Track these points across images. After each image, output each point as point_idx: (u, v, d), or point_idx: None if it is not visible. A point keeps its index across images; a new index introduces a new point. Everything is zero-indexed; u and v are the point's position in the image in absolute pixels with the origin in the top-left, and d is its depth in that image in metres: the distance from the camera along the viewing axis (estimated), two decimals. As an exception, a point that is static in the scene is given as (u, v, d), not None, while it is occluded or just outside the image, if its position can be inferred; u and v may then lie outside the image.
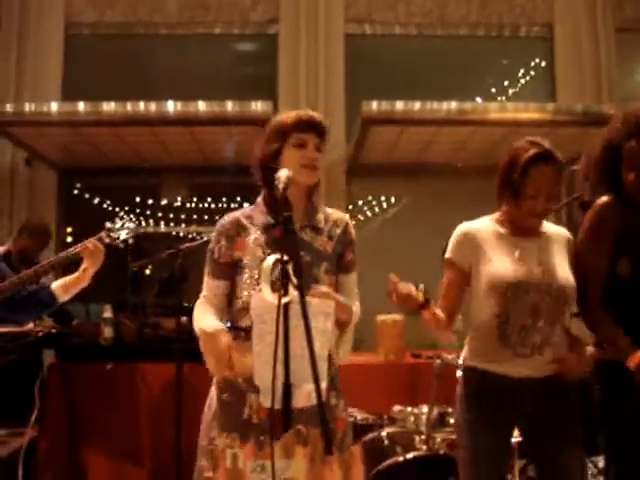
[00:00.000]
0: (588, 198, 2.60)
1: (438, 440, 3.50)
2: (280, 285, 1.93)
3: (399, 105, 6.33)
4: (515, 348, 2.46)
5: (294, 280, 1.93)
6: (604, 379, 2.50)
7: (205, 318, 2.37)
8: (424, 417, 3.64)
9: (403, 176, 7.55)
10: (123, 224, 3.61)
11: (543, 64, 8.06)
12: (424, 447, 3.45)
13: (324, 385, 2.21)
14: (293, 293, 1.93)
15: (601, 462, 5.00)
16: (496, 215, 2.62)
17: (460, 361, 2.66)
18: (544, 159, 2.46)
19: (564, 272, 2.52)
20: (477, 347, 2.56)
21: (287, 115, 2.43)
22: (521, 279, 2.46)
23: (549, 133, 6.67)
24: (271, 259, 2.00)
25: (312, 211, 2.45)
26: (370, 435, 3.61)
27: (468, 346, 2.60)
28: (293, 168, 2.23)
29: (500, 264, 2.49)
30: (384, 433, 3.61)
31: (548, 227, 2.63)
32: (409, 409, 3.84)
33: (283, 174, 2.11)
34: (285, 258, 1.93)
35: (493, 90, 7.89)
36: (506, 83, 7.96)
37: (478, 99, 7.63)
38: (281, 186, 2.05)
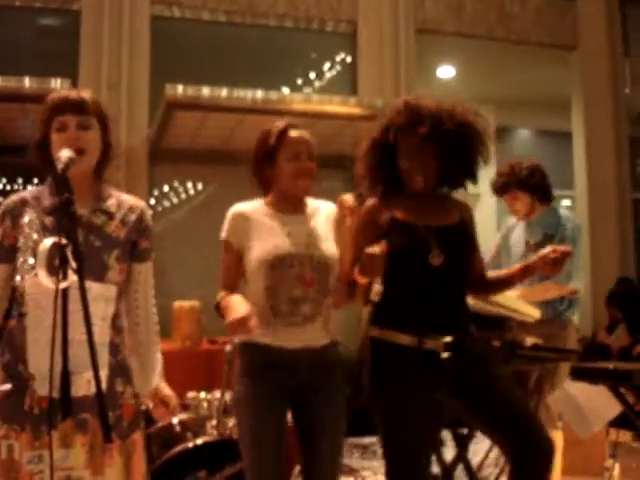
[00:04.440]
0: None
1: (230, 425, 3.53)
2: (58, 269, 1.87)
3: (205, 91, 6.30)
4: (286, 318, 2.57)
5: (73, 264, 1.88)
6: (372, 357, 2.62)
7: None
8: (217, 403, 3.66)
9: (208, 162, 7.51)
10: None
11: (348, 60, 8.29)
12: (215, 432, 3.47)
13: (104, 372, 2.17)
14: (72, 278, 1.88)
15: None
16: (265, 199, 2.76)
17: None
18: (294, 127, 2.69)
19: (327, 244, 2.68)
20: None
21: (48, 98, 2.34)
22: (286, 252, 2.59)
23: (350, 126, 6.92)
24: (48, 242, 1.93)
25: (103, 195, 2.38)
26: (161, 423, 3.58)
27: None
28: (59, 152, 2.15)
29: (268, 240, 2.61)
30: (175, 420, 3.58)
31: (314, 203, 2.80)
32: (202, 395, 3.85)
33: (64, 155, 2.04)
34: (64, 241, 1.87)
35: (299, 82, 8.03)
36: (312, 76, 8.12)
37: (285, 89, 7.74)
38: (60, 167, 1.99)
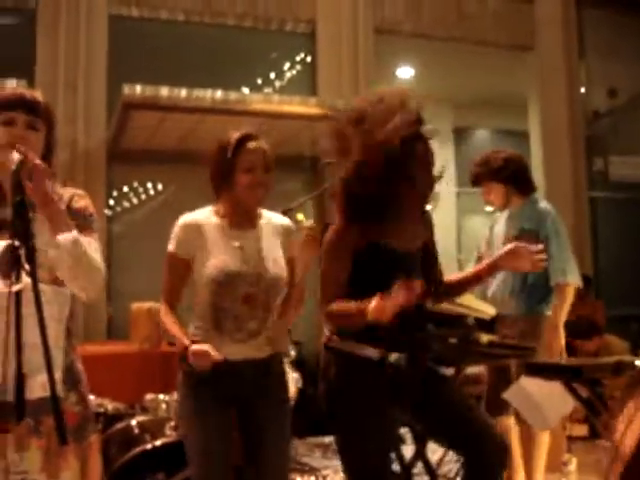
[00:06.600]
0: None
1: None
2: (10, 272, 1.85)
3: (163, 91, 6.26)
4: (231, 334, 2.57)
5: (27, 266, 1.86)
6: (337, 369, 2.62)
7: None
8: (176, 404, 3.64)
9: (167, 162, 7.46)
10: None
11: (308, 59, 8.29)
12: (173, 434, 3.44)
13: (58, 375, 2.15)
14: (26, 280, 1.86)
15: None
16: (215, 207, 2.70)
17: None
18: (251, 138, 2.64)
19: (277, 264, 2.67)
20: (197, 336, 2.61)
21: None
22: (234, 271, 2.57)
23: (309, 126, 6.92)
24: (1, 244, 1.91)
25: None
26: (119, 425, 3.55)
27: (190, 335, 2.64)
28: (1, 147, 2.11)
29: (217, 256, 2.58)
30: (134, 422, 3.56)
31: (268, 217, 2.76)
32: (161, 397, 3.82)
33: (17, 156, 2.02)
34: (17, 243, 1.85)
35: (259, 82, 8.01)
36: (272, 76, 8.10)
37: (244, 89, 7.72)
38: (13, 168, 1.97)
